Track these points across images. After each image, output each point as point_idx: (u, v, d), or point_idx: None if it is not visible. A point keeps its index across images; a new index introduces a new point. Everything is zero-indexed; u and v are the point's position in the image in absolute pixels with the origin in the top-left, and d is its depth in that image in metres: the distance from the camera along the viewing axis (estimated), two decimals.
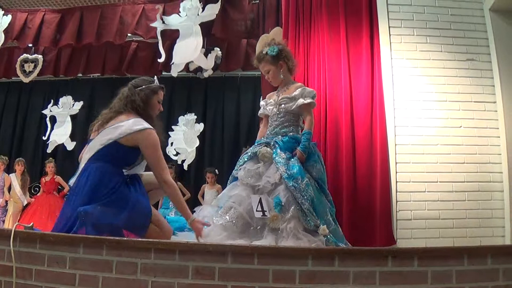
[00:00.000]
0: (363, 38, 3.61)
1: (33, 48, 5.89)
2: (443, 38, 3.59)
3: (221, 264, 1.65)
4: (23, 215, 6.03)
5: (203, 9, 5.08)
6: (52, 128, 7.26)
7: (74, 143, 7.13)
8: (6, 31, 5.54)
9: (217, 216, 2.41)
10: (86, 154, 2.31)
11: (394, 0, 3.65)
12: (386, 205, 3.30)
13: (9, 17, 5.56)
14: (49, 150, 7.19)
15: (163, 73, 5.67)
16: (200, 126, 7.09)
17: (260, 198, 2.31)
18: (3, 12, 5.61)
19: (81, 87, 7.42)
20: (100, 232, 2.01)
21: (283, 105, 2.64)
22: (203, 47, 5.24)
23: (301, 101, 2.59)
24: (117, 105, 2.39)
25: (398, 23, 3.62)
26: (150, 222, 2.23)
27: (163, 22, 5.21)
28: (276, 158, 2.47)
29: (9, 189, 6.16)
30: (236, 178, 2.57)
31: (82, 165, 2.30)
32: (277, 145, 2.53)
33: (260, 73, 3.02)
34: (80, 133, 7.01)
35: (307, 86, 3.06)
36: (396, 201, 3.33)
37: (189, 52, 5.15)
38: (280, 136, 2.58)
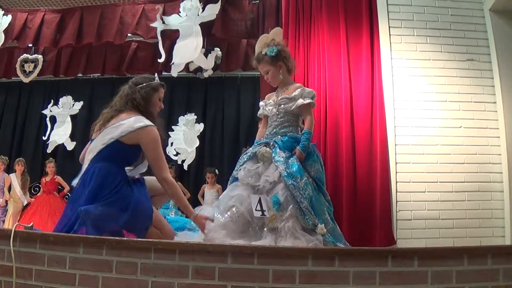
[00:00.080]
0: (363, 38, 3.62)
1: (33, 48, 5.87)
2: (443, 38, 3.60)
3: (221, 264, 1.65)
4: (23, 215, 6.03)
5: (203, 9, 5.08)
6: (52, 128, 7.25)
7: (74, 143, 7.13)
8: (6, 31, 5.52)
9: (218, 213, 2.41)
10: (89, 155, 2.30)
11: (394, 0, 3.65)
12: (386, 205, 3.30)
13: (9, 17, 5.55)
14: (49, 150, 7.18)
15: (163, 73, 5.66)
16: (200, 126, 7.08)
17: (260, 198, 2.32)
18: (3, 12, 5.60)
19: (81, 87, 7.41)
20: (100, 232, 2.01)
21: (282, 106, 2.64)
22: (203, 47, 5.23)
23: (300, 101, 2.58)
24: (117, 104, 2.38)
25: (398, 23, 3.62)
26: (151, 223, 2.21)
27: (163, 22, 5.20)
28: (276, 157, 2.47)
29: (9, 189, 6.16)
30: (236, 179, 2.57)
31: (85, 166, 2.29)
32: (276, 145, 2.53)
33: (259, 73, 3.03)
34: (80, 133, 7.02)
35: (307, 86, 3.06)
36: (396, 201, 3.33)
37: (189, 52, 5.15)
38: (279, 136, 2.58)
